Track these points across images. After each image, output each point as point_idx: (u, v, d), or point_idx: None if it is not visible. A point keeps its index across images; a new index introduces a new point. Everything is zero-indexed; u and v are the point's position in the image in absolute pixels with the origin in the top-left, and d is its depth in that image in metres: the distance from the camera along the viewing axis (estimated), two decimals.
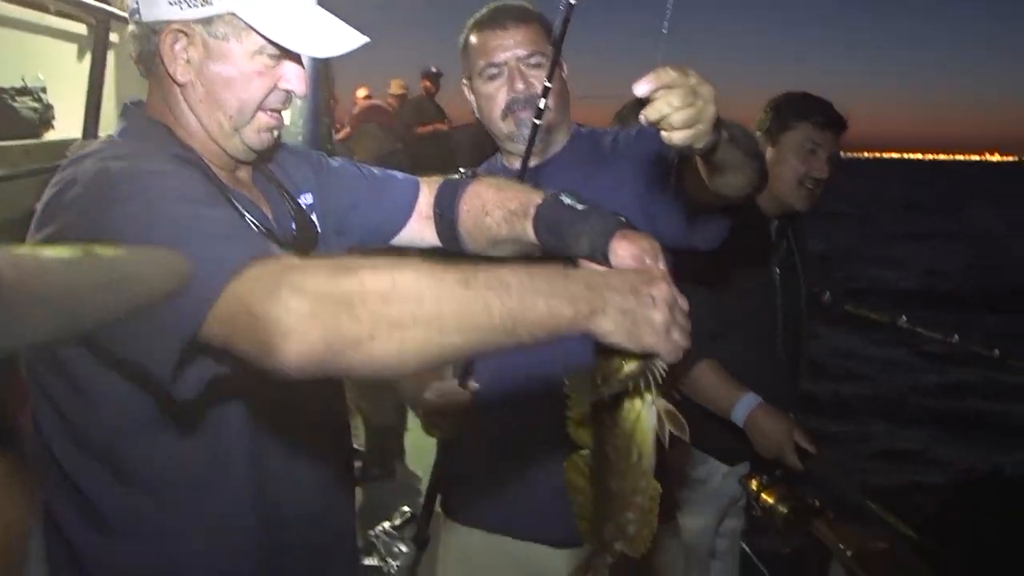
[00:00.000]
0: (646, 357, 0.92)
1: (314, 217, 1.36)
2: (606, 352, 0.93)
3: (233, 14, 1.14)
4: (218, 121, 1.19)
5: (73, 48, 2.79)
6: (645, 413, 0.94)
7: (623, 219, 1.17)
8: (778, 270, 2.43)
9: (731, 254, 2.23)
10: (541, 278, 0.89)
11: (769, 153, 2.35)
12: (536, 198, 1.30)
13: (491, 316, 0.84)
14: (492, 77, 1.75)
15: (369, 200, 1.45)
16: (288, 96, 1.22)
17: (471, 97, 1.83)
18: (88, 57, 2.58)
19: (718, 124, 1.07)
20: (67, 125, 2.63)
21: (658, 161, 1.63)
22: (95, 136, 2.47)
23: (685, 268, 2.01)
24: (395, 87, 7.34)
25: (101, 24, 2.53)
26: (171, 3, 1.13)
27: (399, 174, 1.50)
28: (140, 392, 1.03)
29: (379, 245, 1.47)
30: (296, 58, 1.19)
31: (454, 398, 1.69)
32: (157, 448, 1.09)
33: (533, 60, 1.73)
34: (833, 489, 2.32)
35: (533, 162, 1.75)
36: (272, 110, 1.22)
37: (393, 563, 1.77)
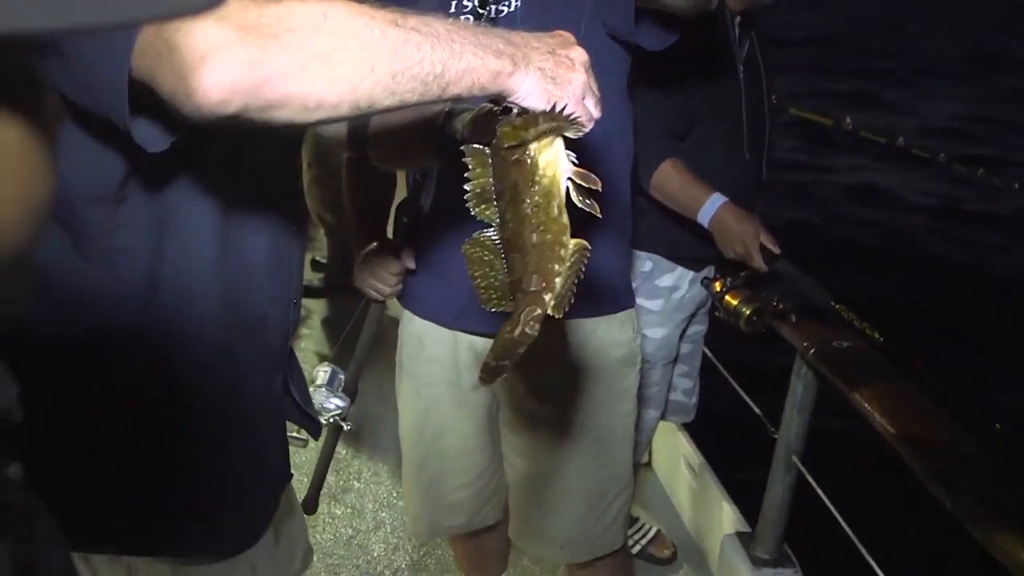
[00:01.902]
0: (560, 121, 0.89)
1: None
2: (517, 115, 0.90)
3: None
4: None
5: None
6: (561, 167, 0.91)
7: None
8: (743, 69, 2.36)
9: (697, 54, 2.16)
10: (466, 29, 0.87)
11: None
12: None
13: (421, 62, 0.81)
14: None
15: None
16: None
17: None
18: None
19: None
20: None
21: None
22: None
23: (651, 69, 1.94)
24: None
25: None
26: None
27: None
28: (104, 160, 0.95)
29: None
30: None
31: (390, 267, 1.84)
32: (118, 218, 0.99)
33: None
34: (798, 292, 2.31)
35: None
36: None
37: (334, 417, 1.86)
